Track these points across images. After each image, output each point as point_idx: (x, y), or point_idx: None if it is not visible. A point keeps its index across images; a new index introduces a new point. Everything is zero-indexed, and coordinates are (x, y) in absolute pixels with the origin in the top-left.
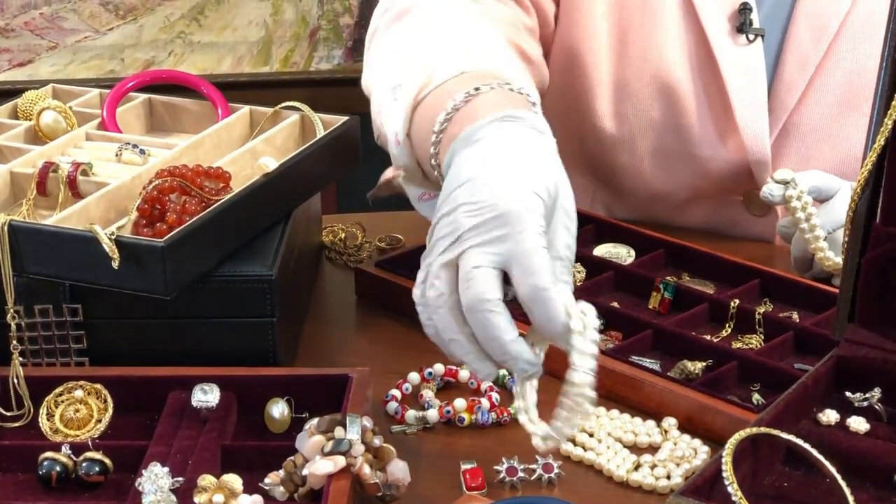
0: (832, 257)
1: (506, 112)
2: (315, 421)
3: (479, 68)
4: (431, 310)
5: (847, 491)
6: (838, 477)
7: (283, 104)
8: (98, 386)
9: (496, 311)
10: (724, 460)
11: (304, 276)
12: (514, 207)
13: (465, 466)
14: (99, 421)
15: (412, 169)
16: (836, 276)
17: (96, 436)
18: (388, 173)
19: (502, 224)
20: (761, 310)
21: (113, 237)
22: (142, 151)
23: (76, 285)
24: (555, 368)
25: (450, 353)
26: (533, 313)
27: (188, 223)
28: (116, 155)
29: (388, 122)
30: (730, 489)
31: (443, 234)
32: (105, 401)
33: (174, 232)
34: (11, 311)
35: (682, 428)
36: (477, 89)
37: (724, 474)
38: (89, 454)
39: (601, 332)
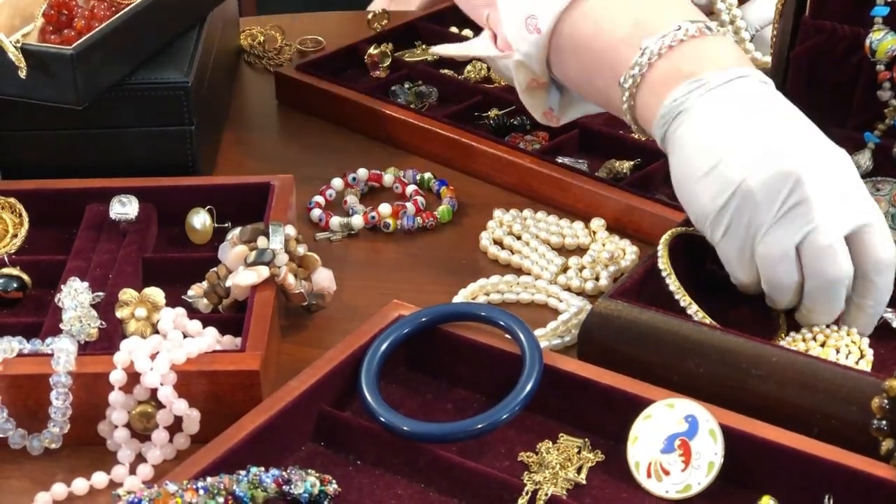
0: (759, 57)
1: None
2: (237, 230)
3: None
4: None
5: None
6: None
7: None
8: (12, 200)
9: None
10: (659, 254)
11: (222, 82)
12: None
13: None
14: (15, 236)
15: (535, 71)
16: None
17: (13, 251)
18: (479, 49)
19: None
20: None
21: (19, 45)
22: None
23: None
24: None
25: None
26: (878, 284)
27: (98, 29)
28: None
29: None
30: (667, 280)
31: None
32: (20, 215)
33: (83, 39)
34: None
35: (611, 228)
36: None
37: (661, 265)
38: (6, 270)
39: (527, 132)
